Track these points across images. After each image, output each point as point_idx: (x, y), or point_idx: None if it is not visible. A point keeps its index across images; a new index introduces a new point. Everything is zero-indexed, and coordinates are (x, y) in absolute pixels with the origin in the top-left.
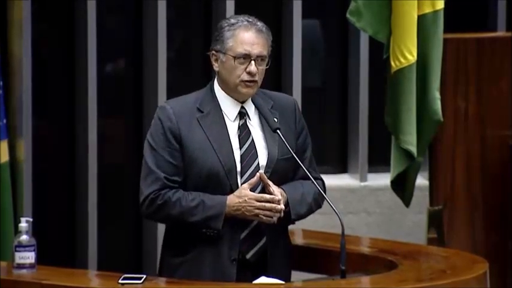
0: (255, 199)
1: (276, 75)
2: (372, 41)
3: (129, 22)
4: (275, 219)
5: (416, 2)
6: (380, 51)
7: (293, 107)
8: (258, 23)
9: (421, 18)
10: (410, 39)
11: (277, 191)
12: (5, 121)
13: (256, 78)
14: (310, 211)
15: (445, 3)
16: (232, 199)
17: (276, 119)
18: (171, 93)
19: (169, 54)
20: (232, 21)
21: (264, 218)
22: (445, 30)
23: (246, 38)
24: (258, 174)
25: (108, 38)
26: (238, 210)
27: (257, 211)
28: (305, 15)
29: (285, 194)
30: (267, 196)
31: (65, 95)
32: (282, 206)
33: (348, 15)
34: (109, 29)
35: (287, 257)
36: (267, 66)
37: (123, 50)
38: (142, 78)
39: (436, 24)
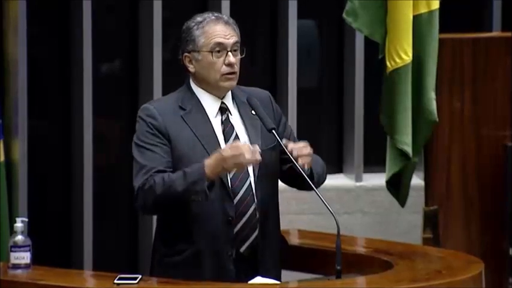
0: (229, 148)
1: (271, 76)
2: (368, 41)
3: (125, 22)
4: (258, 156)
5: (411, 2)
6: (375, 52)
7: (268, 99)
8: (224, 16)
9: (416, 19)
10: (406, 40)
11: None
12: (0, 121)
13: (236, 68)
14: (322, 177)
15: (441, 4)
16: (209, 159)
17: (253, 112)
18: (167, 93)
19: (164, 55)
20: (199, 19)
21: (247, 158)
22: (441, 31)
23: (217, 30)
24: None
25: (103, 38)
26: (218, 166)
27: (237, 159)
28: (300, 15)
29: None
30: (238, 142)
31: (60, 95)
32: (256, 147)
33: (344, 16)
34: (105, 29)
35: (279, 254)
36: (242, 55)
37: (119, 50)
38: (138, 78)
39: (432, 25)
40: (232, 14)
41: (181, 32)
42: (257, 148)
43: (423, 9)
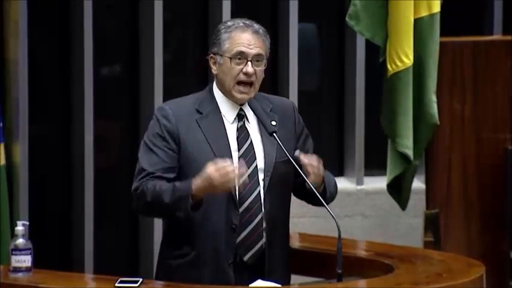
0: (215, 170)
1: (272, 79)
2: (368, 44)
3: (126, 24)
4: (245, 178)
5: (412, 5)
6: (376, 55)
7: (292, 110)
8: (255, 25)
9: (417, 22)
10: (407, 43)
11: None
12: (1, 124)
13: (253, 79)
14: (333, 194)
15: (442, 7)
16: (196, 179)
17: (275, 122)
18: (168, 95)
19: (165, 56)
20: (229, 23)
21: (233, 183)
22: (442, 34)
23: (242, 38)
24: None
25: (104, 39)
26: (206, 188)
27: (224, 179)
28: (301, 18)
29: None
30: (225, 163)
31: (61, 97)
32: (243, 170)
33: (347, 19)
34: (105, 30)
35: (286, 260)
36: (264, 67)
37: (120, 51)
38: (139, 80)
39: (433, 28)
40: (233, 15)
41: (213, 32)
42: (244, 170)
43: (424, 13)
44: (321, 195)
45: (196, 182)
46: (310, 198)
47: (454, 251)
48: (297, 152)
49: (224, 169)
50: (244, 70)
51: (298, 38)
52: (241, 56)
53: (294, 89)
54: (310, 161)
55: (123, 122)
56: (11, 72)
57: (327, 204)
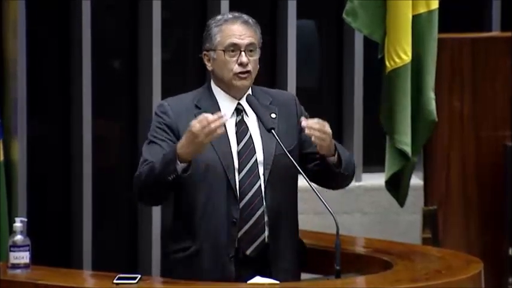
0: (197, 122)
1: (270, 76)
2: (367, 41)
3: (125, 22)
4: (225, 118)
5: (411, 2)
6: (375, 51)
7: (293, 102)
8: (244, 16)
9: (415, 18)
10: (405, 39)
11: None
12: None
13: (249, 68)
14: (350, 165)
15: (440, 3)
16: (181, 139)
17: (274, 114)
18: (166, 94)
19: (164, 56)
20: (218, 17)
21: (216, 125)
22: (441, 30)
23: (233, 30)
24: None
25: (103, 38)
26: (191, 143)
27: (206, 130)
28: (300, 15)
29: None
30: (207, 114)
31: (60, 95)
32: (226, 116)
33: (344, 16)
34: (104, 29)
35: (294, 253)
36: (257, 56)
37: (118, 50)
38: (138, 79)
39: (431, 24)
40: None
41: (204, 30)
42: (221, 113)
43: (422, 9)
44: (336, 166)
45: (181, 140)
46: (326, 179)
47: (453, 248)
48: (303, 123)
49: (205, 120)
50: (239, 61)
51: (297, 37)
52: (234, 48)
53: (292, 86)
54: (311, 125)
55: (121, 122)
56: (10, 71)
57: (347, 185)
